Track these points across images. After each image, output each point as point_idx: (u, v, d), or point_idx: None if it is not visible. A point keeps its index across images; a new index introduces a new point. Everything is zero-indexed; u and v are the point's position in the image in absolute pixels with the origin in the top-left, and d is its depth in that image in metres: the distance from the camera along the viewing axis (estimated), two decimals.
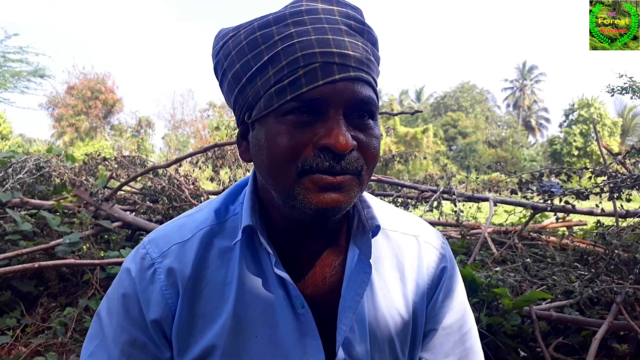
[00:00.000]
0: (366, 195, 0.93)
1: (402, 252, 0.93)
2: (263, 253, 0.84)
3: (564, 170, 3.08)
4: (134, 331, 0.83)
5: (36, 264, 2.93)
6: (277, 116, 0.73)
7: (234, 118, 0.86)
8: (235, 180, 4.63)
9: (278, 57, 0.72)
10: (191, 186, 4.28)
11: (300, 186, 0.73)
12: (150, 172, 4.25)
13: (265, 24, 0.74)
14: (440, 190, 3.93)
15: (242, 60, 0.75)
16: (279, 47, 0.72)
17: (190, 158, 4.89)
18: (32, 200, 3.93)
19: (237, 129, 0.86)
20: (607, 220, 3.30)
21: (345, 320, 0.83)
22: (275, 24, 0.74)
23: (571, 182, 3.10)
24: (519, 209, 3.77)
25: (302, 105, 0.72)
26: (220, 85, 0.84)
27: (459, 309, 0.97)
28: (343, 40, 0.73)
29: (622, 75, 3.51)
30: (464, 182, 4.59)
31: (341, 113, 0.72)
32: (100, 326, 0.87)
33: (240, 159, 4.68)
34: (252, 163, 0.83)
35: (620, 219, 3.11)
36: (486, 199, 3.90)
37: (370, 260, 0.84)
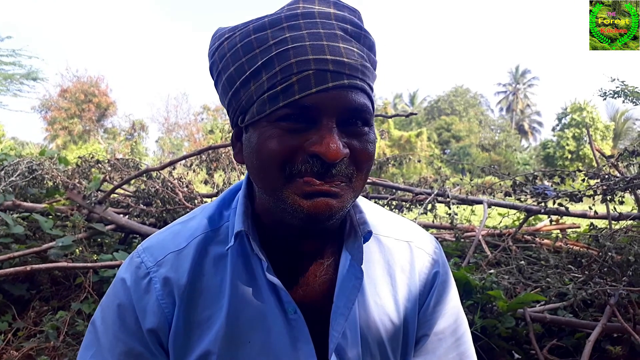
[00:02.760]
0: (359, 199, 0.92)
1: (394, 258, 0.93)
2: (255, 259, 0.84)
3: (557, 173, 3.10)
4: (129, 341, 0.83)
5: (28, 267, 2.90)
6: (269, 121, 0.73)
7: (228, 120, 0.85)
8: (230, 183, 4.62)
9: (272, 62, 0.71)
10: (185, 189, 4.26)
11: (289, 190, 0.73)
12: (144, 174, 4.23)
13: (261, 26, 0.73)
14: (435, 192, 3.93)
15: (237, 63, 0.74)
16: (273, 52, 0.71)
17: (184, 161, 4.87)
18: (25, 203, 3.90)
19: (232, 131, 0.85)
20: (600, 223, 3.31)
21: (337, 327, 0.83)
22: (271, 27, 0.73)
23: (564, 184, 3.11)
24: (513, 211, 3.78)
25: (294, 112, 0.71)
26: (215, 85, 0.83)
27: (451, 314, 0.96)
28: (338, 46, 0.72)
29: (614, 79, 3.53)
30: (458, 185, 4.60)
31: (334, 121, 0.71)
32: (96, 335, 0.86)
33: (234, 162, 4.68)
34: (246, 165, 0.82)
35: (613, 222, 3.12)
36: (480, 202, 3.91)
37: (362, 266, 0.84)
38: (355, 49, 0.74)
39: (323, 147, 0.70)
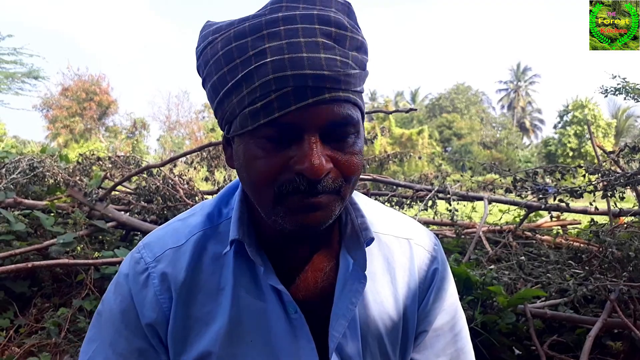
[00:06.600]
0: (359, 200, 0.92)
1: (393, 256, 0.93)
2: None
3: (558, 169, 3.09)
4: (131, 337, 0.84)
5: (30, 264, 2.92)
6: (253, 137, 0.72)
7: None
8: (230, 180, 4.62)
9: (252, 76, 0.69)
10: (186, 186, 4.27)
11: (279, 208, 0.74)
12: (145, 171, 4.24)
13: (241, 33, 0.71)
14: (435, 189, 3.93)
15: (219, 73, 0.73)
16: (253, 64, 0.69)
17: (184, 158, 4.88)
18: (26, 201, 3.91)
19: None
20: (601, 219, 3.31)
21: (339, 328, 0.83)
22: (251, 35, 0.70)
23: (565, 179, 3.11)
24: (514, 207, 3.78)
25: (276, 130, 0.70)
26: (203, 86, 0.83)
27: (450, 310, 0.97)
28: (319, 57, 0.69)
29: (615, 76, 3.52)
30: (458, 181, 4.60)
31: (316, 136, 0.70)
32: (99, 330, 0.87)
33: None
34: None
35: (614, 218, 3.12)
36: (481, 198, 3.91)
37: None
38: (338, 57, 0.70)
39: (305, 165, 0.69)
